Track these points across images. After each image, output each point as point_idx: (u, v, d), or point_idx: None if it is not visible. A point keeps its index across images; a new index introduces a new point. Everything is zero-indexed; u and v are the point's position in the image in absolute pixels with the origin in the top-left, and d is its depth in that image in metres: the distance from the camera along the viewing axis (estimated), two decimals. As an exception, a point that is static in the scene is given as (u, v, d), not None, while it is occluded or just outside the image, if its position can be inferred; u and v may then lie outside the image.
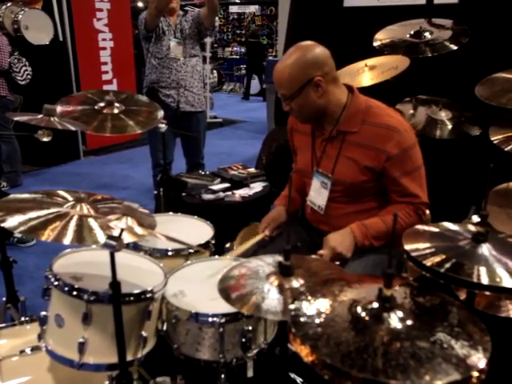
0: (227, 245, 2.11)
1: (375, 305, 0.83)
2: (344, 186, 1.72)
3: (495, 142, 1.91)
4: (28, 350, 1.40)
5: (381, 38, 2.44)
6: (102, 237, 1.07)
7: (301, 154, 1.91)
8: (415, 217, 1.68)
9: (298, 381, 1.61)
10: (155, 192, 2.34)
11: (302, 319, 0.83)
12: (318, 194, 1.80)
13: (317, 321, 0.82)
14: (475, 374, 0.70)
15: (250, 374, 1.37)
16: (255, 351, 1.36)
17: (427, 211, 1.71)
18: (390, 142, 1.61)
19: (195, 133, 3.50)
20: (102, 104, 1.94)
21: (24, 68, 4.00)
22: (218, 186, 2.76)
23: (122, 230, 1.05)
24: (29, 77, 4.09)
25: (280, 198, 2.04)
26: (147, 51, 3.41)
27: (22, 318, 1.59)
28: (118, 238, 1.03)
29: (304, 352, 0.77)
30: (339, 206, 1.77)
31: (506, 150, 1.85)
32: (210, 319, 1.31)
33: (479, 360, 0.72)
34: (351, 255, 1.65)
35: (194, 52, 3.42)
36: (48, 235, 1.06)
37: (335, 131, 1.71)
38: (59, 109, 1.86)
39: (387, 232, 1.65)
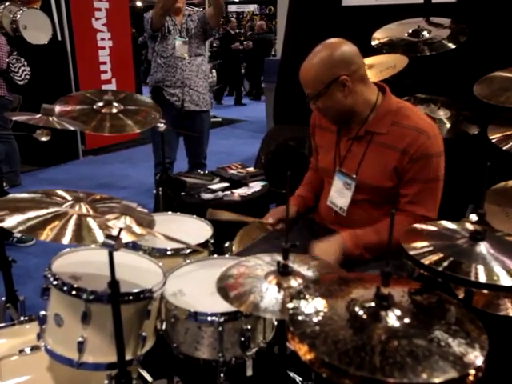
0: (226, 244, 2.11)
1: (373, 303, 0.84)
2: (368, 189, 1.66)
3: (493, 140, 1.91)
4: (27, 350, 1.41)
5: (379, 36, 2.44)
6: (100, 236, 1.07)
7: (323, 151, 1.84)
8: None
9: (297, 380, 1.62)
10: (155, 191, 2.34)
11: (299, 318, 0.84)
12: (340, 195, 1.73)
13: (315, 319, 0.83)
14: (472, 371, 0.70)
15: (249, 372, 1.37)
16: (254, 350, 1.36)
17: None
18: (415, 144, 1.54)
19: (199, 132, 3.51)
20: (100, 103, 1.94)
21: (22, 68, 3.99)
22: (217, 185, 2.76)
23: (121, 230, 1.05)
24: (27, 77, 4.08)
25: (293, 198, 1.94)
26: (153, 50, 3.43)
27: (22, 318, 1.59)
28: (117, 238, 1.03)
29: (302, 350, 0.77)
30: (362, 209, 1.70)
31: (504, 148, 1.85)
32: (209, 318, 1.31)
33: (476, 358, 0.73)
34: (338, 263, 1.58)
35: (200, 51, 3.43)
36: (47, 235, 1.06)
37: (363, 131, 1.65)
38: (58, 108, 1.86)
39: (379, 244, 1.57)
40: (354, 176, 1.67)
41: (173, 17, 3.35)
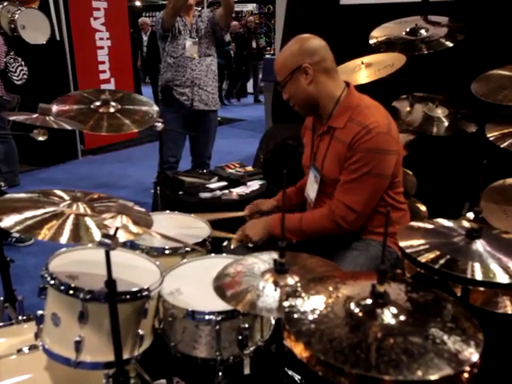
0: (224, 243, 2.11)
1: (369, 301, 0.84)
2: (330, 182, 1.76)
3: (491, 138, 1.91)
4: (25, 349, 1.40)
5: (377, 35, 2.44)
6: (98, 235, 1.08)
7: (306, 149, 1.97)
8: (331, 224, 1.69)
9: (296, 378, 1.62)
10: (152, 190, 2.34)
11: (295, 316, 0.84)
12: (311, 188, 1.86)
13: (310, 317, 0.83)
14: (467, 368, 0.70)
15: (246, 371, 1.37)
16: (252, 348, 1.36)
17: (352, 220, 1.68)
18: (356, 138, 1.63)
19: (206, 132, 3.54)
20: (98, 103, 1.94)
21: (20, 68, 3.98)
22: (215, 184, 2.76)
23: (117, 229, 1.05)
24: (25, 76, 4.07)
25: (278, 194, 2.14)
26: (163, 50, 3.47)
27: (20, 317, 1.59)
28: (113, 237, 1.03)
29: (298, 349, 0.77)
30: (327, 200, 1.80)
31: (501, 146, 1.86)
32: (207, 317, 1.31)
33: (471, 355, 0.73)
34: (260, 240, 1.80)
35: (209, 52, 3.45)
36: (44, 234, 1.07)
37: (326, 127, 1.77)
38: (55, 108, 1.86)
39: (300, 230, 1.74)
40: (320, 170, 1.80)
41: (183, 17, 3.38)
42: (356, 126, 1.65)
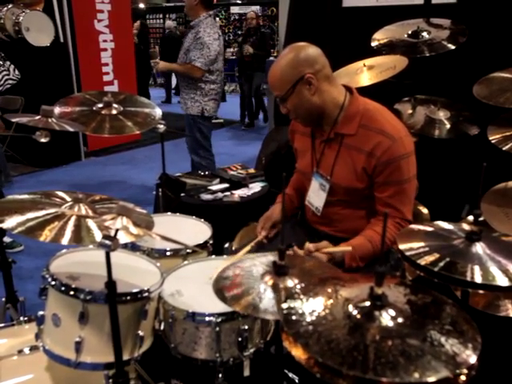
0: (226, 245, 2.11)
1: (367, 303, 0.84)
2: (341, 191, 1.70)
3: (493, 141, 1.90)
4: (26, 350, 1.41)
5: (379, 38, 2.44)
6: (99, 237, 1.08)
7: (301, 155, 1.90)
8: (394, 230, 1.62)
9: (296, 379, 1.62)
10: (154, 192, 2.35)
11: (293, 318, 0.84)
12: (316, 196, 1.78)
13: (308, 319, 0.83)
14: (464, 370, 0.70)
15: (246, 373, 1.37)
16: (252, 350, 1.36)
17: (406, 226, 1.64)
18: (381, 148, 1.58)
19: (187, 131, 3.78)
20: (100, 105, 1.94)
21: (4, 73, 3.84)
22: (216, 186, 2.77)
23: (117, 230, 1.06)
24: (10, 82, 3.85)
25: (279, 196, 2.03)
26: None
27: (21, 318, 1.60)
28: (114, 238, 1.04)
29: (296, 350, 0.78)
30: (337, 209, 1.75)
31: (504, 149, 1.85)
32: (207, 318, 1.31)
33: (469, 357, 0.73)
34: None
35: (187, 61, 3.57)
36: (46, 236, 1.07)
37: (333, 133, 1.69)
38: (57, 110, 1.86)
39: (374, 252, 1.62)
40: (329, 178, 1.72)
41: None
42: (375, 133, 1.60)
